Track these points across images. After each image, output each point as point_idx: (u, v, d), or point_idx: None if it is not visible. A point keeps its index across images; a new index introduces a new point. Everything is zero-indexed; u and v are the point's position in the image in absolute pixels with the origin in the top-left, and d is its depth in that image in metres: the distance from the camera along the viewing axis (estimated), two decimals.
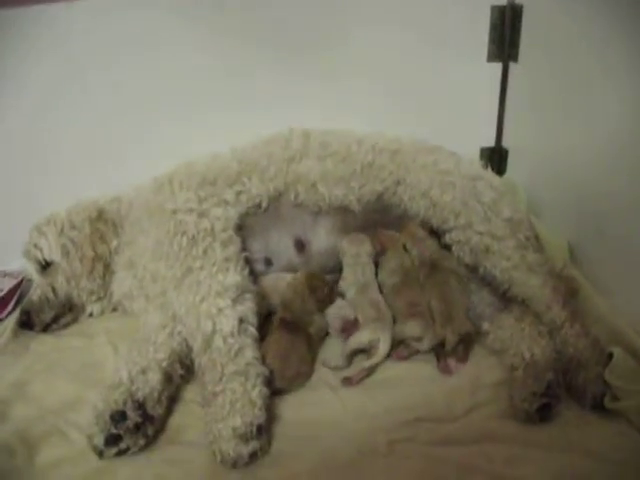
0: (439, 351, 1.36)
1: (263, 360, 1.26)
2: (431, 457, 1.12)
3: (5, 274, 1.71)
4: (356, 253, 1.52)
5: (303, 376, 1.33)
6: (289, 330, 1.36)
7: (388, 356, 1.36)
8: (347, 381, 1.31)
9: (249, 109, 1.85)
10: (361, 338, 1.35)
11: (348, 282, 1.50)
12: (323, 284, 1.49)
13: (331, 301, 1.48)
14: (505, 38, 1.87)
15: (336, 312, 1.44)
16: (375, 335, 1.34)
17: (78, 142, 1.83)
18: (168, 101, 1.84)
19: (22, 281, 1.68)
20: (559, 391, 1.19)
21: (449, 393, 1.27)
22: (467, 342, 1.37)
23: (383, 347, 1.32)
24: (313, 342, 1.40)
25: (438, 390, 1.28)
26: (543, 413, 1.17)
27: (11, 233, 1.59)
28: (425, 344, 1.36)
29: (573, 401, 1.22)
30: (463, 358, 1.35)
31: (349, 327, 1.41)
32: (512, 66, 1.91)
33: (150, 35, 1.78)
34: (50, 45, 1.72)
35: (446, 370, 1.33)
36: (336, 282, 1.53)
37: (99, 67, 1.78)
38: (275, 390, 1.26)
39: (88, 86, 1.80)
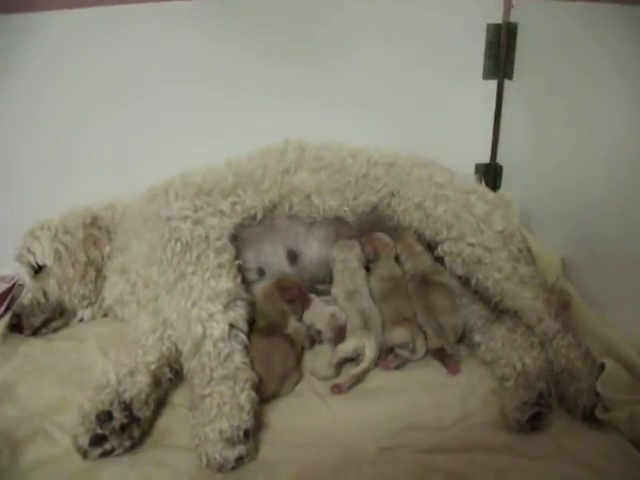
0: (442, 355, 1.37)
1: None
2: (420, 465, 1.11)
3: None
4: (345, 258, 1.53)
5: (291, 375, 1.31)
6: (265, 334, 1.36)
7: (376, 365, 1.35)
8: (336, 389, 1.30)
9: (247, 124, 1.85)
10: (347, 346, 1.35)
11: (338, 289, 1.50)
12: (292, 284, 1.49)
13: (303, 303, 1.48)
14: (501, 56, 1.90)
15: (328, 318, 1.43)
16: (361, 342, 1.33)
17: (75, 150, 1.84)
18: (168, 116, 1.85)
19: (14, 285, 1.67)
20: (550, 401, 1.18)
21: (439, 402, 1.26)
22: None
23: (369, 353, 1.31)
24: (293, 342, 1.38)
25: (428, 399, 1.27)
26: (534, 423, 1.16)
27: (4, 238, 1.59)
28: (418, 352, 1.36)
29: (564, 411, 1.22)
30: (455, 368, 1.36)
31: (340, 333, 1.40)
32: (507, 83, 1.93)
33: (150, 47, 1.79)
34: (52, 55, 1.74)
35: (456, 370, 1.34)
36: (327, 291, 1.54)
37: (101, 79, 1.80)
38: (266, 397, 1.25)
39: (90, 100, 1.81)
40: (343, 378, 1.32)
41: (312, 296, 1.52)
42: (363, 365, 1.31)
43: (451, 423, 1.21)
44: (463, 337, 1.43)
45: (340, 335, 1.39)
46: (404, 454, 1.14)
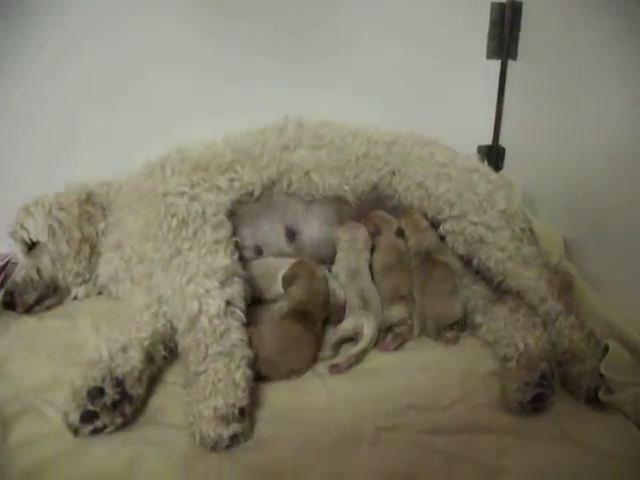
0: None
1: (251, 345, 1.22)
2: (419, 445, 1.09)
3: None
4: (352, 238, 1.50)
5: (296, 373, 1.27)
6: (301, 322, 1.30)
7: (375, 345, 1.33)
8: (334, 368, 1.27)
9: (248, 113, 1.81)
10: (346, 326, 1.33)
11: (340, 266, 1.48)
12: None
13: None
14: (505, 35, 1.86)
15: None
16: (359, 322, 1.31)
17: (72, 130, 1.80)
18: (169, 102, 1.80)
19: (7, 263, 1.64)
20: (553, 382, 1.16)
21: (438, 383, 1.24)
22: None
23: (367, 332, 1.30)
24: (319, 342, 1.34)
25: (427, 380, 1.25)
26: (536, 404, 1.14)
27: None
28: (415, 330, 1.35)
29: (567, 394, 1.19)
30: (453, 340, 1.35)
31: (340, 311, 1.37)
32: (511, 64, 1.89)
33: (151, 36, 1.75)
34: (51, 36, 1.70)
35: (449, 341, 1.34)
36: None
37: (100, 61, 1.75)
38: (260, 376, 1.22)
39: (87, 79, 1.77)
40: (342, 358, 1.30)
41: None
42: (362, 344, 1.29)
43: (451, 404, 1.19)
44: (464, 320, 1.40)
45: (339, 313, 1.37)
46: (403, 434, 1.11)
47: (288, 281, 1.41)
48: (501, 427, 1.12)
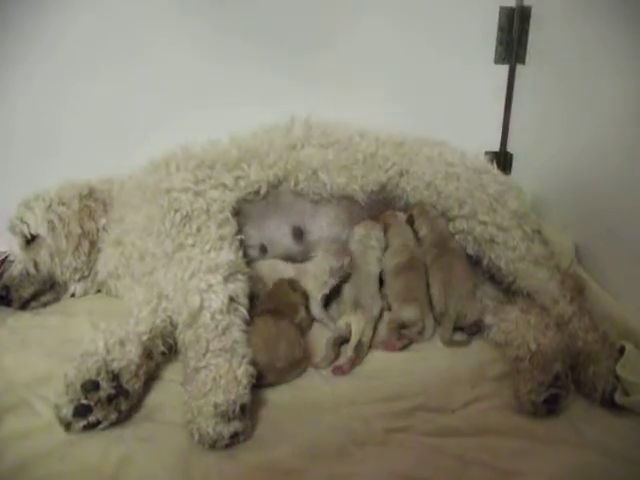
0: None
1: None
2: (430, 447, 1.04)
3: None
4: (365, 234, 1.48)
5: (297, 367, 1.22)
6: (273, 315, 1.28)
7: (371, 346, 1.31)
8: (338, 370, 1.23)
9: (250, 104, 1.80)
10: (339, 325, 1.32)
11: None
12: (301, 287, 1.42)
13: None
14: (513, 40, 1.85)
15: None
16: (348, 320, 1.30)
17: (76, 127, 1.78)
18: (170, 95, 1.80)
19: (5, 260, 1.60)
20: (567, 383, 1.11)
21: (449, 385, 1.19)
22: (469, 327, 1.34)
23: (354, 327, 1.28)
24: (302, 330, 1.32)
25: (437, 382, 1.20)
26: (550, 405, 1.09)
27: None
28: (426, 333, 1.31)
29: (582, 397, 1.14)
30: (466, 342, 1.31)
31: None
32: (519, 68, 1.88)
33: (152, 28, 1.75)
34: (51, 21, 1.69)
35: (461, 345, 1.32)
36: None
37: (105, 56, 1.74)
38: (265, 384, 1.17)
39: (93, 73, 1.75)
40: (343, 360, 1.26)
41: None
42: (352, 339, 1.26)
43: (462, 406, 1.14)
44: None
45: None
46: (412, 436, 1.07)
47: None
48: (514, 430, 1.08)
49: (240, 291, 1.24)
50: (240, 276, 1.28)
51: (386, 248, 1.49)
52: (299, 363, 1.23)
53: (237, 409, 1.02)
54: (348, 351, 1.26)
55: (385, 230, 1.50)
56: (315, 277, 1.41)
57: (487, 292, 1.39)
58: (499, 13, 1.84)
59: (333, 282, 1.40)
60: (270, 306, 1.32)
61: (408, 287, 1.36)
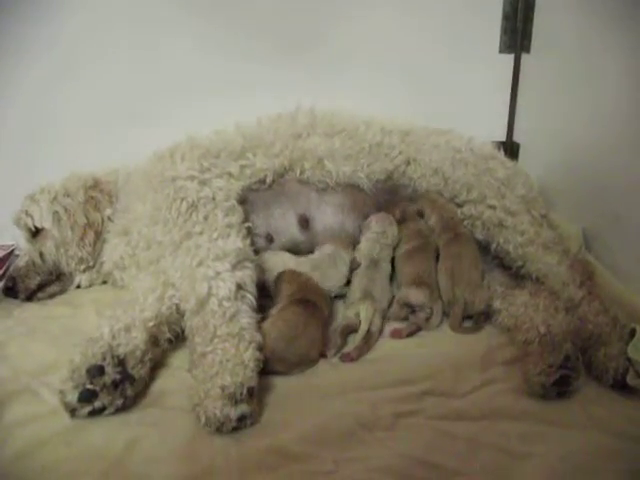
0: None
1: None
2: (439, 431, 1.02)
3: None
4: (382, 231, 1.46)
5: (307, 364, 1.21)
6: (306, 308, 1.25)
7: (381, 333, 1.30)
8: (346, 357, 1.23)
9: (252, 95, 1.80)
10: (348, 314, 1.31)
11: (362, 253, 1.44)
12: None
13: None
14: (518, 29, 1.84)
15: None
16: (357, 309, 1.29)
17: (78, 119, 1.78)
18: (170, 85, 1.80)
19: (11, 253, 1.60)
20: (578, 364, 1.09)
21: (457, 369, 1.18)
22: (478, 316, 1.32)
23: (363, 315, 1.27)
24: (325, 327, 1.29)
25: (446, 366, 1.19)
26: (561, 388, 1.07)
27: (6, 208, 1.54)
28: (434, 320, 1.30)
29: (593, 381, 1.13)
30: (473, 329, 1.29)
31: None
32: (524, 57, 1.87)
33: (152, 22, 1.75)
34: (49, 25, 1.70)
35: (469, 332, 1.31)
36: None
37: (107, 50, 1.75)
38: (271, 371, 1.16)
39: (93, 65, 1.76)
40: (351, 347, 1.25)
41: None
42: (362, 327, 1.26)
43: (471, 390, 1.13)
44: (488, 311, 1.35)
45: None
46: (421, 420, 1.05)
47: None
48: (524, 413, 1.06)
49: (248, 279, 1.23)
50: (248, 264, 1.26)
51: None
52: (311, 362, 1.21)
53: (244, 391, 1.01)
54: (356, 339, 1.26)
55: (401, 219, 1.50)
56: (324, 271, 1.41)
57: (496, 278, 1.37)
58: (503, 2, 1.84)
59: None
60: (299, 296, 1.29)
61: (417, 273, 1.35)
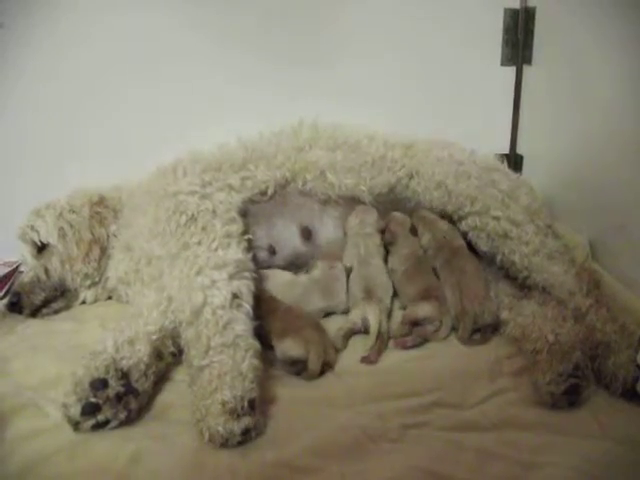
0: None
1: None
2: (448, 442, 1.01)
3: (3, 262, 1.63)
4: (360, 221, 1.47)
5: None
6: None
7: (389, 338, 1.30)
8: (366, 359, 1.23)
9: (252, 118, 1.80)
10: (352, 317, 1.30)
11: (350, 255, 1.44)
12: None
13: None
14: (519, 41, 1.85)
15: None
16: (363, 313, 1.29)
17: (79, 136, 1.80)
18: (176, 100, 1.82)
19: (17, 268, 1.60)
20: (588, 373, 1.08)
21: (466, 380, 1.17)
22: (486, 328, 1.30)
23: (372, 320, 1.26)
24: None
25: (454, 377, 1.18)
26: (571, 397, 1.06)
27: (12, 224, 1.55)
28: (442, 331, 1.29)
29: (602, 390, 1.11)
30: (482, 341, 1.28)
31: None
32: (526, 69, 1.88)
33: (155, 37, 1.78)
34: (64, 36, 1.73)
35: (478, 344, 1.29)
36: None
37: (118, 71, 1.78)
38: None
39: (100, 87, 1.79)
40: (368, 352, 1.25)
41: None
42: (373, 328, 1.25)
43: (479, 401, 1.11)
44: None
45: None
46: (430, 431, 1.04)
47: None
48: (534, 423, 1.04)
49: (245, 288, 1.22)
50: (246, 274, 1.25)
51: (390, 245, 1.49)
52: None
53: (245, 405, 1.00)
54: (369, 341, 1.25)
55: (393, 240, 1.49)
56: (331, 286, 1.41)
57: (502, 289, 1.36)
58: (504, 14, 1.85)
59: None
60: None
61: (423, 287, 1.35)
